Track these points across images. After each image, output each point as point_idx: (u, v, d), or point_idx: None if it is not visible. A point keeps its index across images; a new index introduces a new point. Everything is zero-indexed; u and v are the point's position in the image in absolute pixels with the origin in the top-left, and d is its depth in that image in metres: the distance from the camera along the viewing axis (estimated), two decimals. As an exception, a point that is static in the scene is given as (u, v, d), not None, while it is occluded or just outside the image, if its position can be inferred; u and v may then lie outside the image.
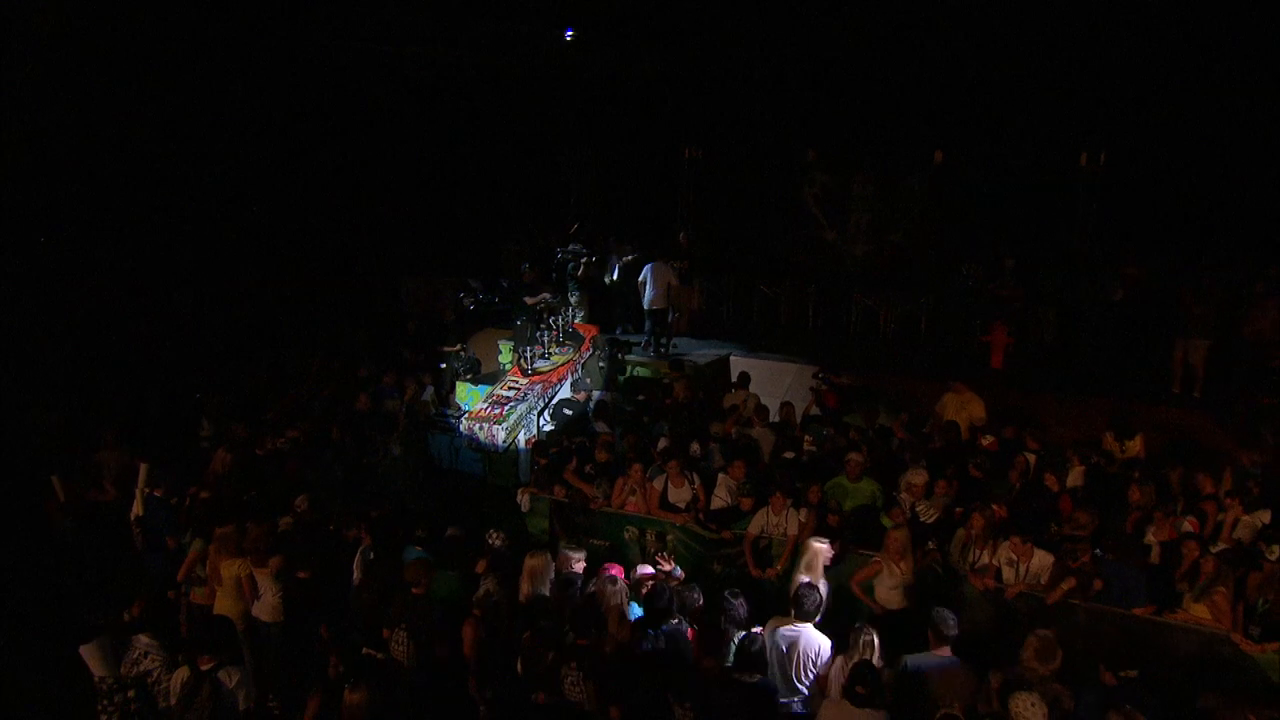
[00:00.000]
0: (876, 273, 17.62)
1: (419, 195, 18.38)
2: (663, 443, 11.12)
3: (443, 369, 13.83)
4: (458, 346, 14.03)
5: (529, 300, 14.32)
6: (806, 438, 11.49)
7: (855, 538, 9.21)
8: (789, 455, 11.09)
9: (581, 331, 14.65)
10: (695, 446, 10.99)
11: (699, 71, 18.89)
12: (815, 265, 18.06)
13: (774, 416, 12.51)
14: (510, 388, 12.87)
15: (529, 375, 13.18)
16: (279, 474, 9.98)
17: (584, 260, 16.08)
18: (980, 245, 16.64)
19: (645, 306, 14.99)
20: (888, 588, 8.33)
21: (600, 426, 11.86)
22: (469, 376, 13.78)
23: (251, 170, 15.89)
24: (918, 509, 9.71)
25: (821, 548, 8.19)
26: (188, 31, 14.41)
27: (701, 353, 15.40)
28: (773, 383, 14.48)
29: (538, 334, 13.55)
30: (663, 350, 14.96)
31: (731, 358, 15.21)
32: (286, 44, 15.63)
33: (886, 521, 9.57)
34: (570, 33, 17.79)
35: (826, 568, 8.39)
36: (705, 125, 18.39)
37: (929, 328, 16.58)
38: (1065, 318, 15.63)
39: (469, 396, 13.34)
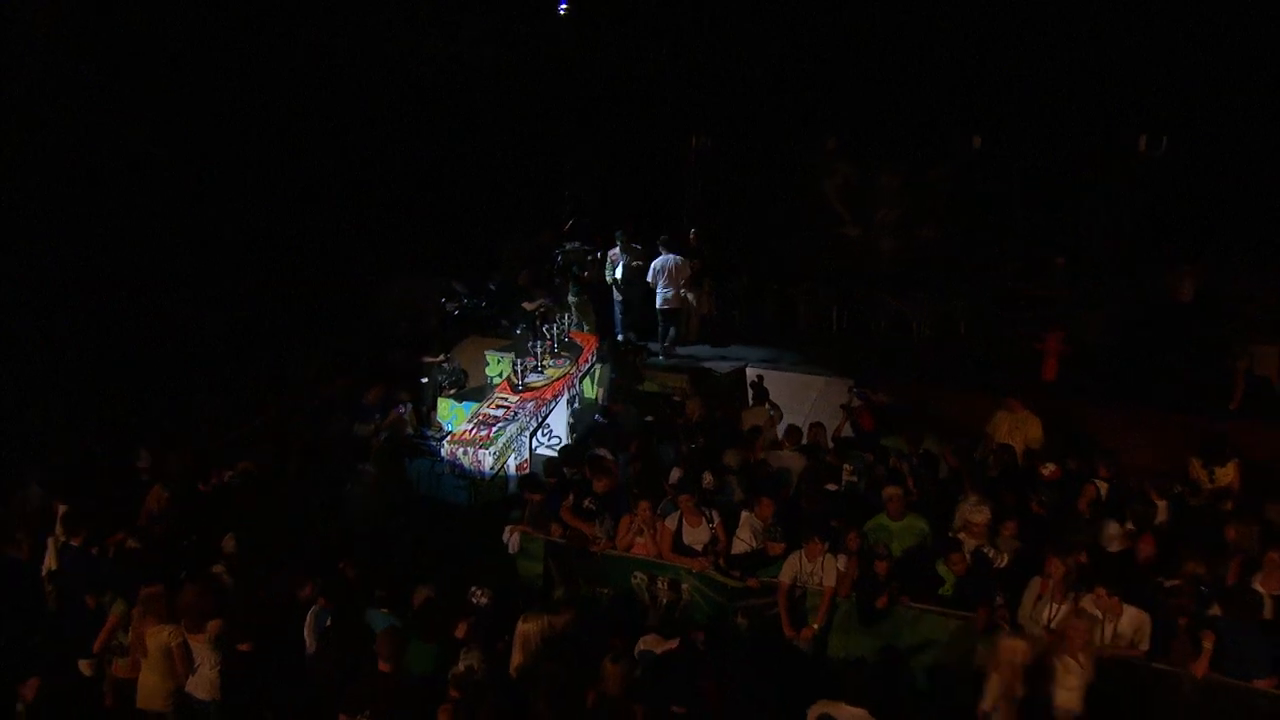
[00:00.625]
0: (906, 272, 16.81)
1: (398, 190, 17.74)
2: (675, 473, 10.16)
3: (423, 383, 13.15)
4: (441, 357, 13.41)
5: (528, 306, 13.58)
6: (846, 466, 10.57)
7: (906, 587, 8.39)
8: (832, 487, 10.09)
9: (580, 341, 13.76)
10: (708, 477, 9.97)
11: (706, 52, 18.25)
12: (837, 264, 17.24)
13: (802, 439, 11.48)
14: (499, 405, 11.98)
15: (520, 391, 12.27)
16: (225, 516, 8.76)
17: (589, 259, 15.32)
18: (1024, 241, 16.18)
19: (658, 306, 14.53)
20: (1068, 689, 7.20)
21: (600, 452, 10.69)
22: (452, 391, 13.19)
23: (210, 165, 15.17)
24: (984, 553, 8.72)
25: (1018, 647, 7.09)
26: (173, 25, 14.18)
27: (712, 364, 14.70)
28: (795, 398, 13.57)
29: (531, 344, 12.74)
30: (670, 353, 14.53)
31: (747, 369, 14.36)
32: (270, 36, 15.30)
33: (944, 569, 8.63)
34: (564, 6, 17.13)
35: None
36: (713, 111, 17.77)
37: (968, 333, 15.69)
38: (1119, 322, 14.78)
39: (452, 414, 12.77)
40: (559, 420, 12.80)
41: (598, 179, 19.16)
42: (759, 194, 17.90)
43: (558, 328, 13.30)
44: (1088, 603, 7.82)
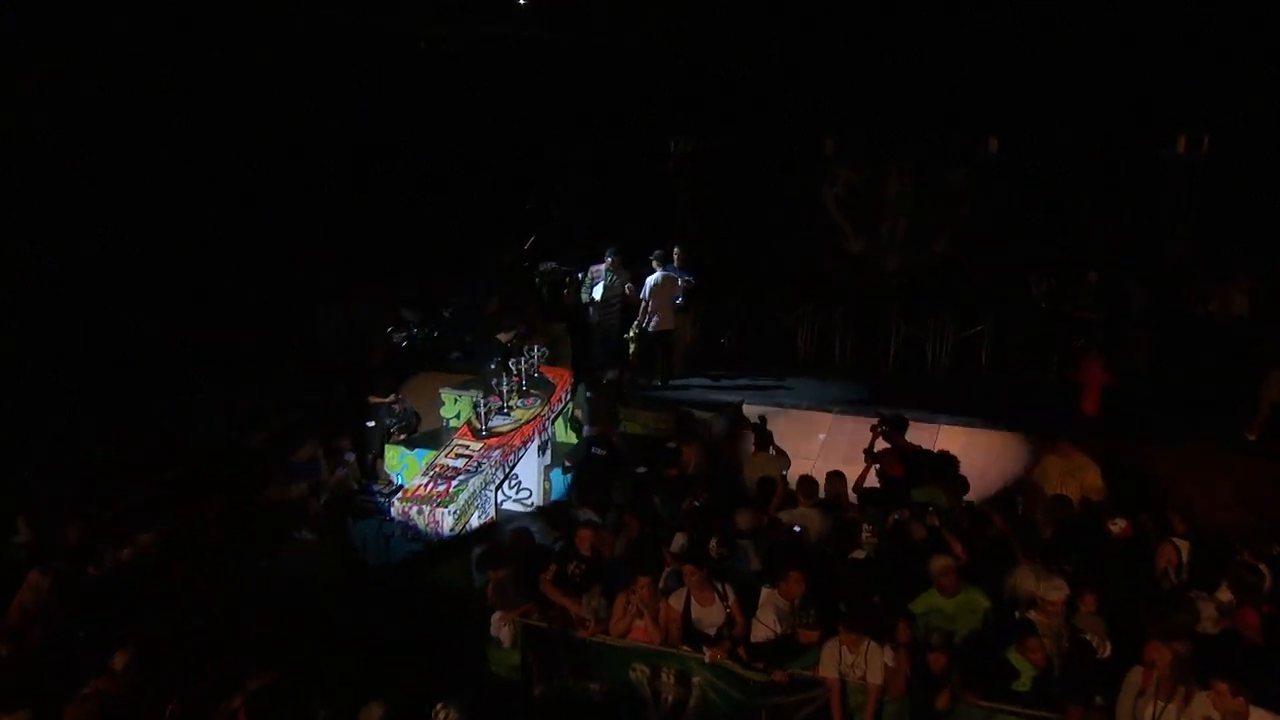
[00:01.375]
0: (918, 292, 16.29)
1: (338, 202, 16.84)
2: (678, 539, 9.07)
3: (368, 428, 12.35)
4: (390, 397, 12.62)
5: (502, 337, 12.80)
6: (866, 527, 9.41)
7: (971, 681, 7.42)
8: (859, 555, 8.97)
9: (551, 377, 12.84)
10: (714, 545, 8.88)
11: (686, 45, 17.70)
12: (841, 283, 16.68)
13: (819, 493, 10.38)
14: (459, 454, 11.09)
15: (484, 437, 11.38)
16: (121, 607, 7.46)
17: (568, 280, 14.70)
18: (1050, 254, 15.50)
19: (649, 329, 14.17)
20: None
21: (585, 515, 9.62)
22: (402, 437, 12.54)
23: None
24: (1083, 639, 7.70)
25: None
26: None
27: (699, 399, 14.03)
28: (799, 440, 12.78)
29: (496, 382, 11.98)
30: (659, 383, 14.26)
31: (743, 406, 13.21)
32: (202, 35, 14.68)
33: (1018, 659, 7.55)
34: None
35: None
36: (695, 111, 17.16)
37: (992, 362, 15.17)
38: (1165, 345, 14.05)
39: (402, 464, 12.15)
40: (529, 470, 11.91)
41: (569, 189, 18.86)
42: (749, 205, 17.30)
43: (526, 361, 12.40)
44: (1202, 702, 6.79)
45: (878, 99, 16.08)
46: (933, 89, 15.81)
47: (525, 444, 11.76)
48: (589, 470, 11.30)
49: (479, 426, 11.53)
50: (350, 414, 12.44)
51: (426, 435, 12.66)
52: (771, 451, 11.34)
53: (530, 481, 11.94)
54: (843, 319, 15.98)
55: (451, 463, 10.98)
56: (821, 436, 13.34)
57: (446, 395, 13.09)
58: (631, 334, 14.55)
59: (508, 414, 11.94)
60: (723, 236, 17.22)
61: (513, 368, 12.23)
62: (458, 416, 12.77)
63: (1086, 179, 15.31)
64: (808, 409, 13.81)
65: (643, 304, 14.32)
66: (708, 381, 15.07)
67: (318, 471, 11.09)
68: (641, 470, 10.94)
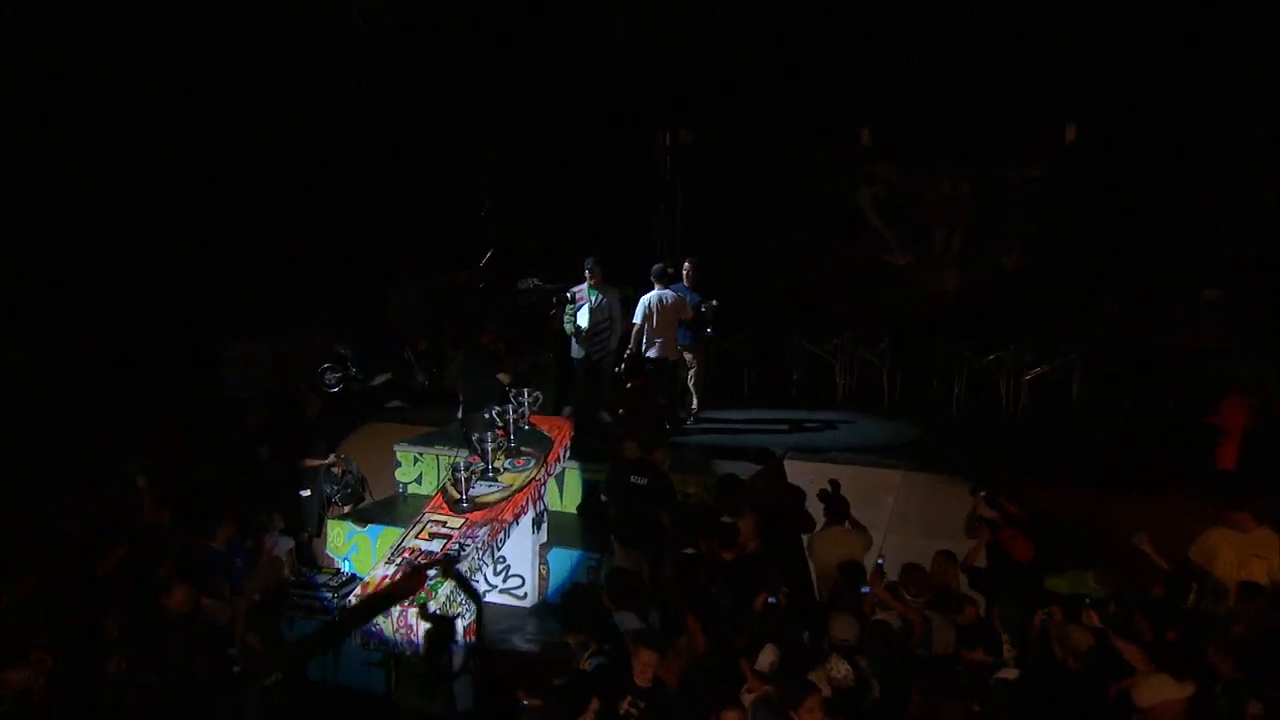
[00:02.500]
0: (982, 316, 15.96)
1: (252, 211, 15.47)
2: (767, 656, 7.56)
3: (303, 499, 11.47)
4: (330, 458, 11.73)
5: (503, 378, 11.94)
6: (1006, 638, 8.24)
7: None
8: (1007, 675, 7.56)
9: (547, 429, 11.73)
10: (837, 666, 7.46)
11: (683, 13, 16.17)
12: (885, 306, 16.42)
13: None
14: (434, 534, 10.01)
15: (466, 510, 10.27)
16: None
17: (556, 300, 13.83)
18: (1149, 268, 15.05)
19: (642, 356, 13.33)
20: None
21: (627, 620, 8.20)
22: (346, 509, 11.92)
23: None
24: None
25: None
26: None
27: (720, 447, 13.10)
28: (865, 504, 11.26)
29: (479, 437, 10.98)
30: (682, 423, 13.60)
31: (786, 460, 12.28)
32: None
33: None
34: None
35: None
36: (695, 95, 16.54)
37: (1084, 403, 14.50)
38: None
39: (351, 546, 11.65)
40: (520, 551, 11.00)
41: (528, 193, 18.64)
42: (763, 211, 17.17)
43: (515, 410, 11.30)
44: None
45: (926, 76, 15.20)
46: (994, 62, 14.86)
47: (517, 518, 10.67)
48: (626, 507, 10.25)
49: (458, 496, 10.38)
50: (279, 482, 11.54)
51: (379, 506, 12.15)
52: (847, 525, 10.11)
53: (522, 566, 11.09)
54: (890, 350, 15.42)
55: (425, 545, 9.89)
56: (890, 500, 11.96)
57: (403, 454, 12.70)
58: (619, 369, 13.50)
59: (494, 479, 10.79)
60: (725, 247, 16.67)
61: (498, 419, 11.23)
62: (419, 481, 12.56)
63: (1193, 171, 14.79)
64: (868, 464, 12.34)
65: (635, 329, 13.39)
66: (722, 425, 14.11)
67: (239, 562, 9.72)
68: (689, 553, 9.56)
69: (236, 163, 14.82)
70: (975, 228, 16.63)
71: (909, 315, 16.18)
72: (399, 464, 12.60)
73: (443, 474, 12.03)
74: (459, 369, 13.09)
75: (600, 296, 13.33)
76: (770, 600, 8.44)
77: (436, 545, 9.78)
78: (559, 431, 11.76)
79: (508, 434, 11.13)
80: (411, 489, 12.47)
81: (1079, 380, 14.61)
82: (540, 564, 11.03)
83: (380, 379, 15.17)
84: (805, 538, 10.21)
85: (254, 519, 10.30)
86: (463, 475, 10.37)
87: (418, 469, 12.47)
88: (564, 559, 11.13)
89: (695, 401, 13.96)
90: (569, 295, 13.48)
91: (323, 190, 16.03)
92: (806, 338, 15.78)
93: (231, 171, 14.80)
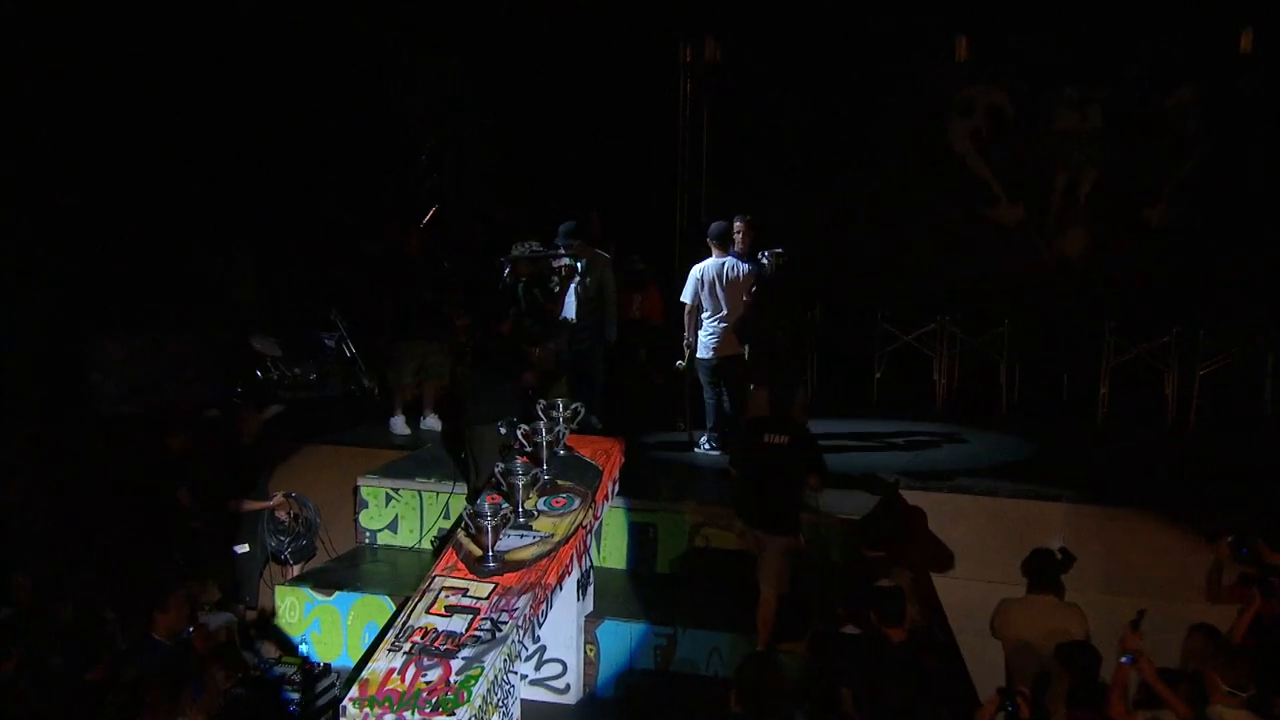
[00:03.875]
0: (1126, 288, 15.99)
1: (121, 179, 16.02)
2: None
3: (238, 558, 11.41)
4: (276, 499, 11.63)
5: (528, 378, 11.82)
6: None
7: None
8: None
9: (590, 455, 11.11)
10: None
11: None
12: (990, 279, 16.49)
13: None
14: (451, 606, 9.34)
15: (493, 571, 9.57)
16: None
17: (564, 270, 13.34)
18: None
19: (700, 359, 13.24)
20: None
21: None
22: (297, 567, 11.77)
23: None
24: None
25: None
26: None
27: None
28: (1017, 554, 10.70)
29: (504, 468, 10.22)
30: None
31: (895, 488, 11.93)
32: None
33: None
34: None
35: None
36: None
37: None
38: None
39: (310, 621, 10.98)
40: (562, 628, 10.22)
41: (500, 127, 18.45)
42: (819, 153, 17.05)
43: (550, 429, 10.67)
44: None
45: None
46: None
47: (561, 580, 9.84)
48: (761, 476, 9.99)
49: (481, 552, 9.58)
50: (207, 535, 11.40)
51: (343, 565, 11.68)
52: (1059, 596, 9.59)
53: (562, 648, 10.21)
54: (1007, 339, 15.34)
55: (443, 624, 9.12)
56: (1057, 545, 10.97)
57: (370, 490, 12.07)
58: (680, 364, 13.61)
59: (527, 526, 10.00)
60: (767, 203, 15.97)
61: (522, 438, 10.58)
62: (393, 528, 12.00)
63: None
64: (1011, 494, 11.92)
65: (688, 313, 13.16)
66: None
67: (162, 653, 9.13)
68: (850, 633, 9.51)
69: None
70: (1110, 171, 16.57)
71: (1025, 290, 16.25)
72: (364, 504, 11.96)
73: (428, 518, 11.81)
74: (467, 369, 12.80)
75: (584, 271, 13.35)
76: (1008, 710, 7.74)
77: (459, 623, 9.04)
78: (607, 457, 11.11)
79: (539, 461, 10.46)
80: (383, 539, 11.89)
81: (1272, 373, 14.62)
82: (587, 644, 10.30)
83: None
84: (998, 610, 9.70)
85: (179, 591, 9.62)
86: (488, 522, 9.49)
87: (392, 511, 11.82)
88: (619, 636, 10.44)
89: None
90: (575, 265, 13.40)
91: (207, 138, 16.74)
92: (890, 322, 15.85)
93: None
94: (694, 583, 11.27)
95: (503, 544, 9.68)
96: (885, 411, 15.14)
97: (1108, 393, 14.84)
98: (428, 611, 9.21)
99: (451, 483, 11.62)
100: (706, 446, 13.37)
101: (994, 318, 15.47)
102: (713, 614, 10.60)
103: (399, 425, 13.43)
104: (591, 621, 10.36)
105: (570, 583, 10.02)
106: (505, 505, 9.88)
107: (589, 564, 10.59)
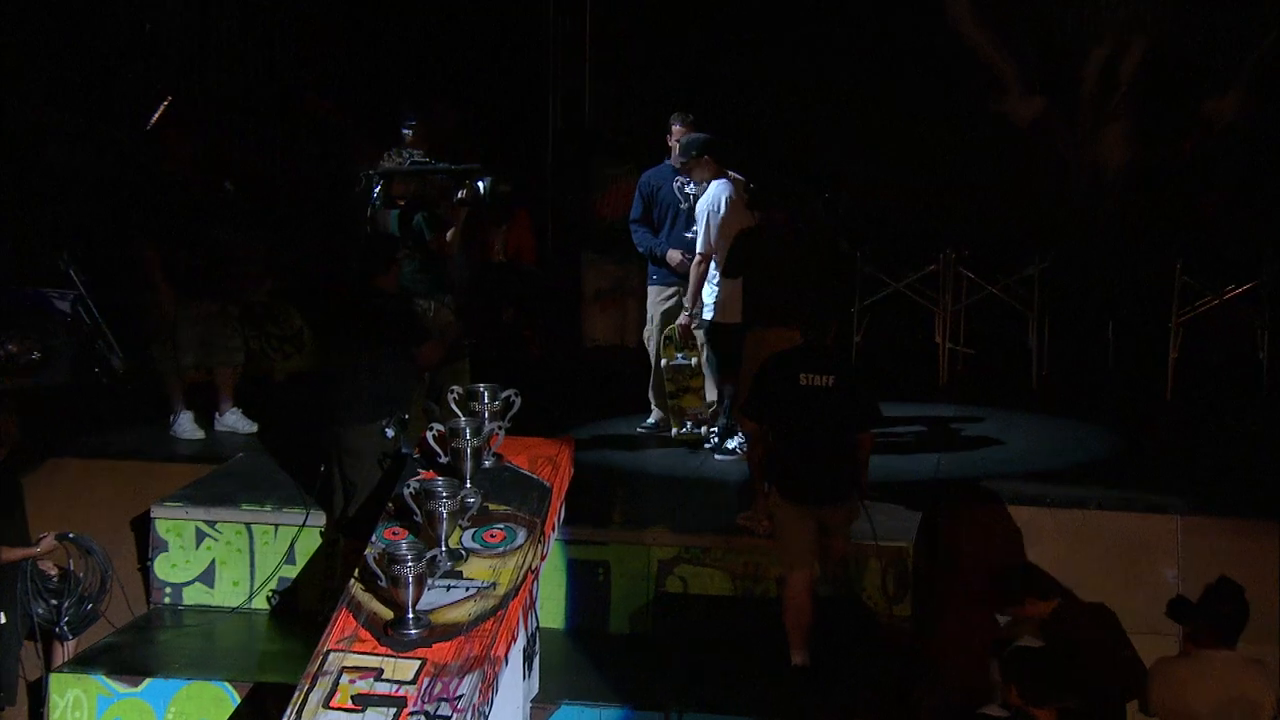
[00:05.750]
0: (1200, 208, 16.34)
1: None
2: None
3: None
4: (43, 546, 10.90)
5: (428, 357, 11.99)
6: None
7: None
8: None
9: (528, 464, 10.81)
10: None
11: None
12: (1007, 204, 16.80)
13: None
14: (364, 696, 8.94)
15: (417, 644, 9.14)
16: None
17: (460, 193, 13.35)
18: None
19: (708, 318, 13.10)
20: None
21: None
22: (72, 640, 11.30)
23: None
24: None
25: None
26: None
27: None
28: (1123, 579, 11.37)
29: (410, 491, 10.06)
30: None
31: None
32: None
33: None
34: None
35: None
36: None
37: None
38: None
39: None
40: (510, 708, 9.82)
41: None
42: (761, 16, 17.29)
43: (471, 430, 10.39)
44: None
45: None
46: None
47: (509, 649, 9.44)
48: (800, 433, 9.96)
49: (399, 614, 9.13)
50: None
51: (137, 637, 11.09)
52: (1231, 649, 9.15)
53: None
54: (1038, 284, 15.32)
55: None
56: (1171, 575, 11.25)
57: (169, 525, 11.49)
58: (669, 334, 13.48)
59: (457, 573, 9.57)
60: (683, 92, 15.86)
61: (433, 442, 10.21)
62: (207, 579, 11.48)
63: None
64: (1110, 505, 11.61)
65: (698, 261, 12.90)
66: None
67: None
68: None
69: None
70: (1160, 46, 16.60)
71: (1055, 216, 16.53)
72: (161, 545, 11.18)
73: (263, 565, 11.19)
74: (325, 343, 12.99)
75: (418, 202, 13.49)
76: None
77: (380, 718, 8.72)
78: (553, 468, 10.72)
79: (461, 476, 9.93)
80: (193, 595, 11.14)
81: None
82: (528, 732, 10.62)
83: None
84: (1153, 674, 9.35)
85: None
86: (408, 570, 8.91)
87: (205, 554, 11.08)
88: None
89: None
90: (480, 186, 13.49)
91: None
92: (871, 262, 15.63)
93: None
94: (668, 645, 10.46)
95: (426, 600, 9.03)
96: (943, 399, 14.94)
97: (1178, 356, 14.68)
98: (327, 706, 8.54)
99: (302, 510, 10.87)
100: (731, 443, 12.92)
101: (1017, 256, 15.49)
102: (709, 689, 10.03)
103: (186, 425, 12.67)
104: (540, 712, 9.79)
105: (515, 653, 9.44)
106: (420, 544, 9.15)
107: (534, 624, 10.02)
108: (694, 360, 13.63)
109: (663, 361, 13.79)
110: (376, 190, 13.19)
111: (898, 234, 16.17)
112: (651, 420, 13.66)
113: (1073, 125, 17.08)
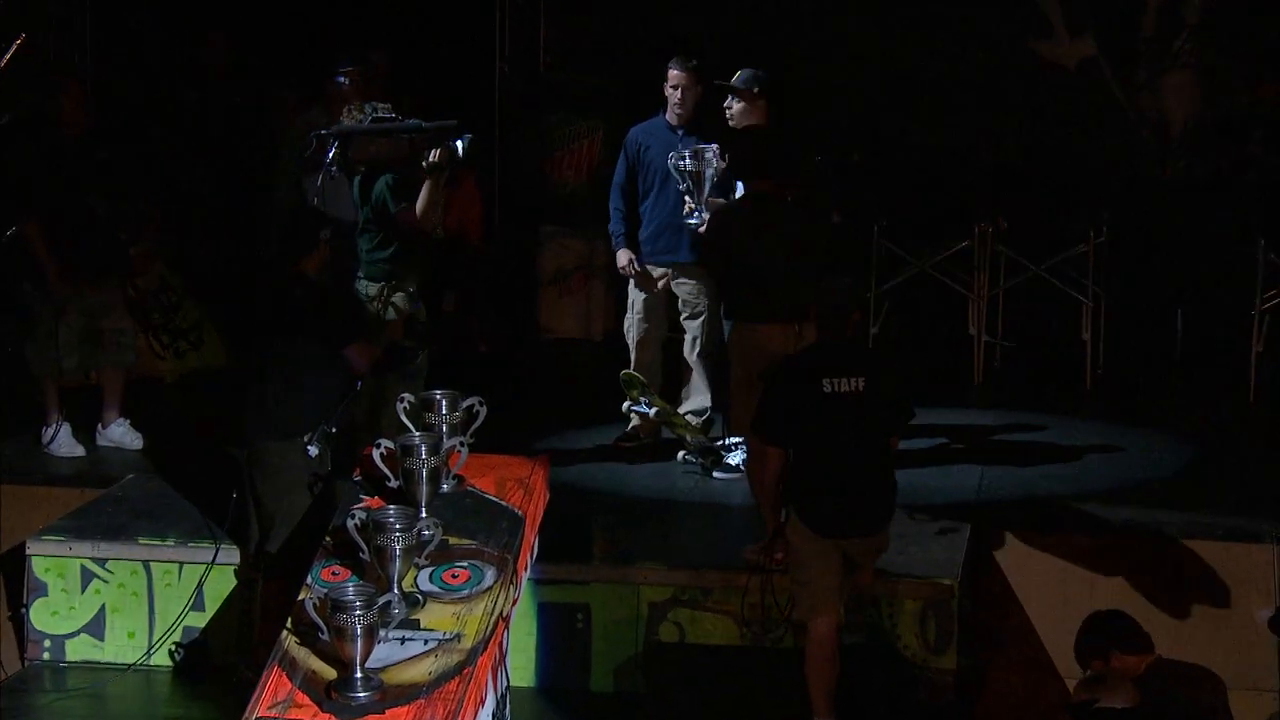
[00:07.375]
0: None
1: None
2: None
3: None
4: None
5: (360, 357, 11.75)
6: None
7: None
8: None
9: (497, 495, 10.75)
10: None
11: None
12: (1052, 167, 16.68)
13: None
14: None
15: (368, 711, 9.00)
16: None
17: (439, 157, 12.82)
18: None
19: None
20: None
21: None
22: None
23: None
24: None
25: None
26: None
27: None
28: (1214, 619, 11.55)
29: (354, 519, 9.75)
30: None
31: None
32: None
33: None
34: None
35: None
36: None
37: None
38: None
39: None
40: None
41: None
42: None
43: (428, 448, 10.28)
44: None
45: None
46: None
47: (477, 715, 9.38)
48: (826, 449, 9.99)
49: (344, 673, 8.97)
50: None
51: (12, 702, 11.05)
52: None
53: None
54: (1093, 263, 15.20)
55: None
56: (1265, 615, 11.22)
57: (46, 564, 11.55)
58: (626, 377, 13.68)
59: (414, 622, 9.52)
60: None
61: (382, 463, 10.27)
62: (96, 631, 11.44)
63: None
64: (1195, 532, 11.63)
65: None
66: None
67: None
68: None
69: None
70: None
71: (1112, 184, 16.33)
72: (39, 588, 11.14)
73: (166, 611, 11.06)
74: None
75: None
76: None
77: (332, 818, 9.08)
78: (525, 492, 10.66)
79: (416, 503, 9.90)
80: (77, 650, 11.02)
81: None
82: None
83: None
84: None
85: None
86: (356, 619, 8.68)
87: (94, 599, 11.00)
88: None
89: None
90: (457, 146, 12.96)
91: None
92: (890, 238, 15.43)
93: None
94: (661, 706, 10.79)
95: (377, 656, 8.84)
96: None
97: (1262, 350, 14.55)
98: None
99: (211, 545, 10.75)
100: (733, 458, 12.86)
101: (1066, 229, 15.35)
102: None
103: (64, 440, 12.50)
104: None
105: (484, 718, 9.42)
106: (369, 587, 8.96)
107: (505, 683, 9.90)
108: (653, 411, 13.57)
109: (624, 405, 13.79)
110: (331, 153, 12.76)
111: (923, 203, 15.99)
112: (631, 429, 13.57)
113: (1131, 69, 16.97)
